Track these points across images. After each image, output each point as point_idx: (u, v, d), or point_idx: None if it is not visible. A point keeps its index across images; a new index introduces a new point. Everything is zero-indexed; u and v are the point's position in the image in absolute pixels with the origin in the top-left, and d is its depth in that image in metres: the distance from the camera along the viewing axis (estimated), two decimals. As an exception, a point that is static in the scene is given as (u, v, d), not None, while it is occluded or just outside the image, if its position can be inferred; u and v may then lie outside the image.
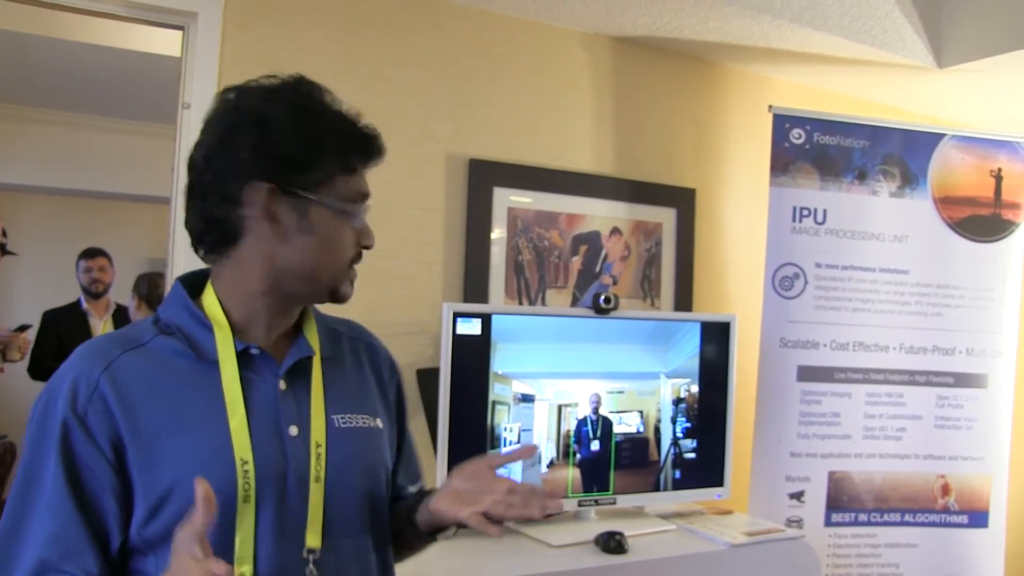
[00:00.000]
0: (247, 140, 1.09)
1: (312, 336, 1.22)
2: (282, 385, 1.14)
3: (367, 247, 1.19)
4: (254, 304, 1.14)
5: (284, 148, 1.10)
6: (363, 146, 1.17)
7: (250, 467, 1.06)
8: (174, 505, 1.02)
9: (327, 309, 1.29)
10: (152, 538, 1.03)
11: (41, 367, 4.42)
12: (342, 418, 1.19)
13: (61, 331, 4.52)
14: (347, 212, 1.14)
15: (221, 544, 1.02)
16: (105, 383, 1.04)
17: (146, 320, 1.15)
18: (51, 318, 4.62)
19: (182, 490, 1.01)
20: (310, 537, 1.10)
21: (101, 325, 4.62)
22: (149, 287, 4.50)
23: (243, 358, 1.12)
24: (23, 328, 4.45)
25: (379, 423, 1.25)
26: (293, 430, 1.12)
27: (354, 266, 1.18)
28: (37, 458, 1.03)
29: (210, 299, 1.14)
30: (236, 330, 1.13)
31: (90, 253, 4.73)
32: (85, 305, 4.67)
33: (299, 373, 1.17)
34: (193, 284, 1.18)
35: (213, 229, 1.13)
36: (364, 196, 1.18)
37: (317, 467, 1.13)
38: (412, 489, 1.35)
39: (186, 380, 1.09)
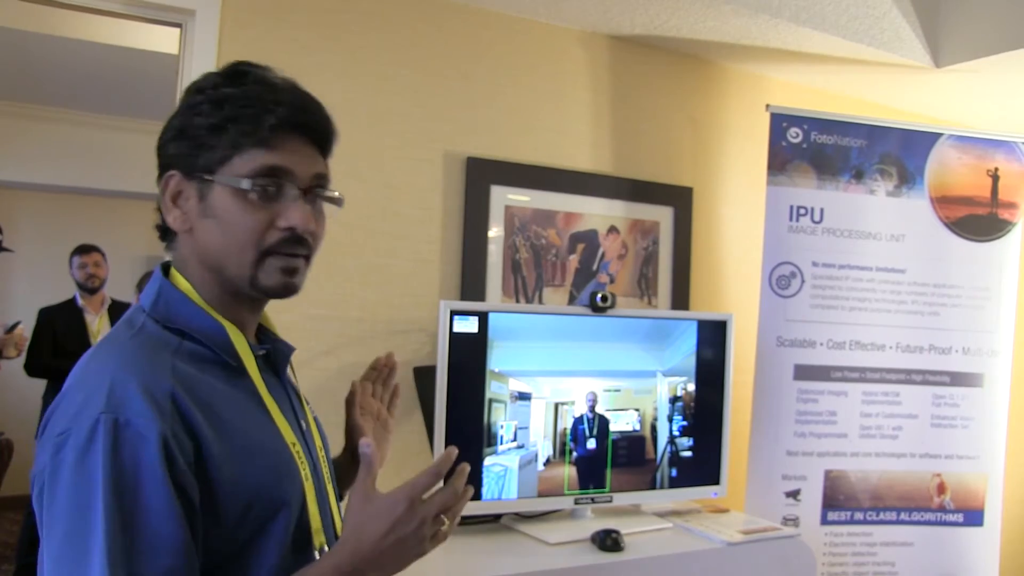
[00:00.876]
0: (172, 129, 1.07)
1: (275, 330, 1.22)
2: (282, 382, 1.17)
3: (290, 228, 1.04)
4: (226, 302, 1.08)
5: (194, 130, 1.04)
6: (278, 116, 1.03)
7: (299, 448, 1.08)
8: (256, 512, 0.99)
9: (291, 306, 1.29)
10: (231, 549, 0.99)
11: (38, 364, 4.43)
12: (310, 409, 1.24)
13: (57, 328, 4.53)
14: (243, 188, 1.02)
15: (301, 528, 1.04)
16: (180, 393, 0.95)
17: (141, 320, 1.05)
18: (47, 315, 4.63)
19: (264, 496, 1.00)
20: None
21: (97, 321, 4.63)
22: None
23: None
24: (14, 326, 4.44)
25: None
26: (303, 424, 1.16)
27: (287, 253, 1.06)
28: (126, 483, 0.89)
29: (194, 296, 1.07)
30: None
31: (84, 249, 4.74)
32: (80, 301, 4.68)
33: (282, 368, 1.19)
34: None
35: (160, 224, 1.11)
36: (277, 171, 1.04)
37: (327, 469, 1.18)
38: None
39: (224, 385, 1.03)
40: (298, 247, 1.06)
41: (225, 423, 0.98)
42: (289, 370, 1.20)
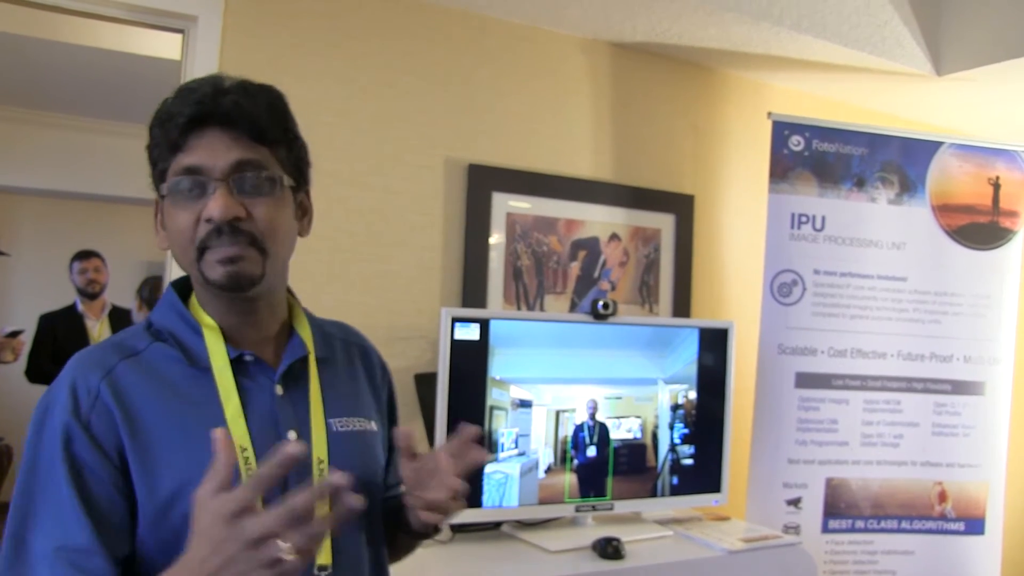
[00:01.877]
0: None
1: (305, 335, 1.20)
2: (279, 390, 1.12)
3: (209, 220, 1.04)
4: (216, 306, 1.12)
5: (149, 154, 1.10)
6: (185, 115, 1.04)
7: (250, 453, 1.05)
8: (177, 511, 1.00)
9: (320, 311, 1.29)
10: (155, 549, 1.01)
11: (39, 370, 4.43)
12: (339, 422, 1.17)
13: (58, 334, 4.53)
14: (169, 194, 1.06)
15: None
16: (105, 391, 1.03)
17: (139, 325, 1.13)
18: (47, 321, 4.62)
19: (183, 498, 0.99)
20: (321, 554, 1.09)
21: (97, 326, 4.63)
22: (150, 291, 4.53)
23: (237, 365, 1.10)
24: (15, 333, 4.44)
25: (373, 426, 1.24)
26: (292, 435, 1.11)
27: (218, 246, 1.05)
28: (38, 467, 1.00)
29: (196, 304, 1.14)
30: (227, 336, 1.12)
31: (84, 255, 4.74)
32: (81, 307, 4.68)
33: (295, 376, 1.15)
34: (184, 289, 1.16)
35: None
36: (191, 170, 1.05)
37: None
38: (402, 489, 1.33)
39: (181, 388, 1.07)
40: (229, 236, 1.05)
41: (151, 423, 1.03)
42: (311, 376, 1.17)
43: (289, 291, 1.24)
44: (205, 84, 1.08)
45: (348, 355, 1.28)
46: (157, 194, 1.10)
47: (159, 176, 1.08)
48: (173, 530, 1.00)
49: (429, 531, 1.24)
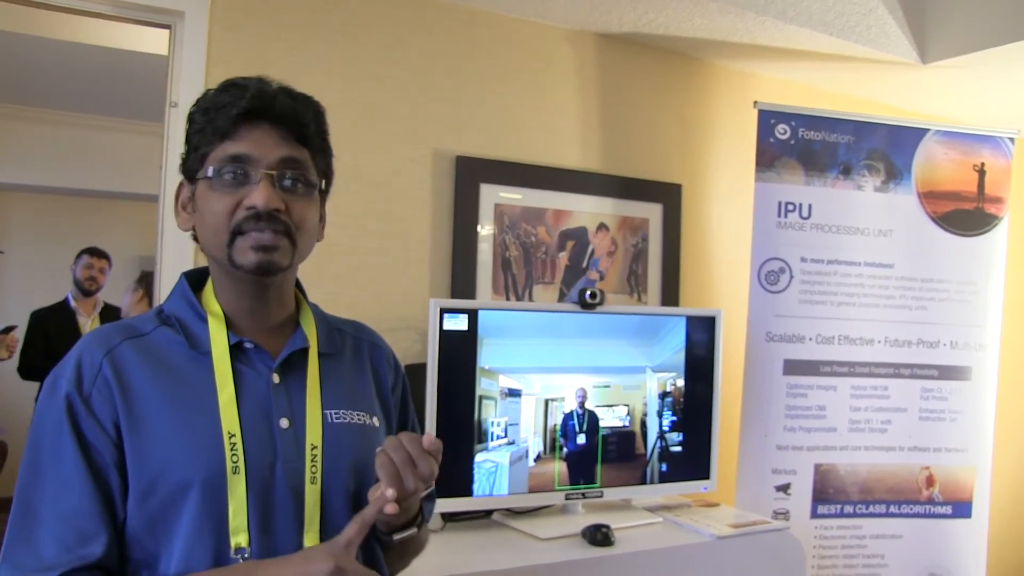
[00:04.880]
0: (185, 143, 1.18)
1: (309, 329, 1.23)
2: (275, 379, 1.15)
3: (252, 207, 1.10)
4: (229, 292, 1.17)
5: (188, 138, 1.16)
6: (239, 107, 1.10)
7: (237, 440, 1.08)
8: (161, 490, 1.05)
9: (327, 307, 1.31)
10: (140, 525, 1.05)
11: (31, 367, 4.41)
12: (335, 413, 1.20)
13: (50, 331, 4.50)
14: (210, 177, 1.11)
15: (214, 518, 1.05)
16: (107, 367, 1.08)
17: (151, 311, 1.19)
18: (39, 318, 4.60)
19: (168, 475, 1.05)
20: (308, 538, 1.11)
21: (89, 323, 4.61)
22: (152, 282, 4.54)
23: (237, 351, 1.15)
24: (8, 330, 4.43)
25: (375, 421, 1.25)
26: (284, 423, 1.14)
27: (254, 232, 1.10)
28: (44, 436, 1.06)
29: (208, 292, 1.19)
30: (231, 324, 1.16)
31: (96, 252, 4.71)
32: (73, 303, 4.65)
33: (295, 367, 1.19)
34: (197, 279, 1.22)
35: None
36: (240, 158, 1.11)
37: (313, 469, 1.14)
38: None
39: (180, 370, 1.11)
40: (266, 224, 1.10)
41: (147, 400, 1.07)
42: (311, 368, 1.20)
43: (299, 287, 1.29)
44: (258, 82, 1.14)
45: (357, 352, 1.31)
46: (186, 177, 1.17)
47: (199, 159, 1.13)
48: (157, 505, 1.05)
49: (392, 528, 1.19)
